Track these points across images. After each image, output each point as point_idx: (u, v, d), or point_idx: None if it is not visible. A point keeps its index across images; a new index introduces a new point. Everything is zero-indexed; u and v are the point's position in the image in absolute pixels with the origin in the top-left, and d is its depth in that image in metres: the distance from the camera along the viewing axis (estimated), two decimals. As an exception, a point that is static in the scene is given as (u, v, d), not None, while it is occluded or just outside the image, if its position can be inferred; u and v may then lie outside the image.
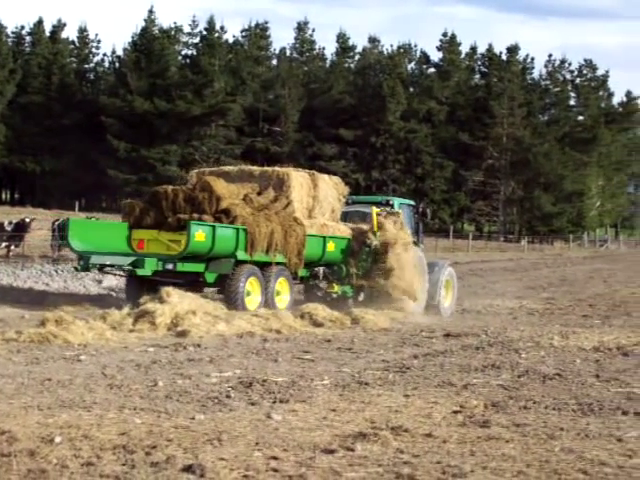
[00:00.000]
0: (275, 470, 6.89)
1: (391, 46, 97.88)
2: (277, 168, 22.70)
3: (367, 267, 22.36)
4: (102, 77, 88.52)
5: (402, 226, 22.91)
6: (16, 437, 7.50)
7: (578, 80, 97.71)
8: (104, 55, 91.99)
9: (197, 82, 78.70)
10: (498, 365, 12.91)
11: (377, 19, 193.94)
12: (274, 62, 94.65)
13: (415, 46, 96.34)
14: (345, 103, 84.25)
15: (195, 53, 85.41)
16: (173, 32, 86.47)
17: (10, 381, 10.49)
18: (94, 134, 75.49)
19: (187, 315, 16.64)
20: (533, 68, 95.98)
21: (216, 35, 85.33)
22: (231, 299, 19.53)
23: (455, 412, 9.40)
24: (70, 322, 15.19)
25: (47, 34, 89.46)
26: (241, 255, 19.95)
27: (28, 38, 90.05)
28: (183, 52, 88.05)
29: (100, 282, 26.01)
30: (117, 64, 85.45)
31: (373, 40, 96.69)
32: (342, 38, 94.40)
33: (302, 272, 21.83)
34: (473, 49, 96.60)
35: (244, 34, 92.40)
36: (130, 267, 19.43)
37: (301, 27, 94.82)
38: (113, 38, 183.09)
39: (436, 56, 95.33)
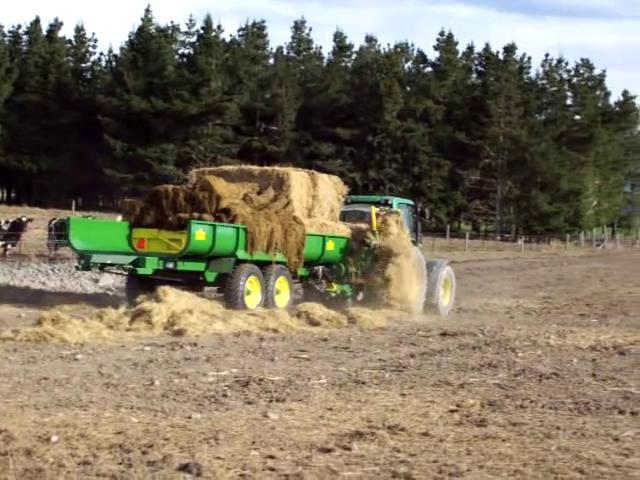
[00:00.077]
0: (272, 469, 6.89)
1: (388, 45, 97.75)
2: (277, 168, 22.76)
3: (366, 266, 22.41)
4: (99, 76, 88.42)
5: (401, 226, 22.95)
6: (13, 436, 7.50)
7: (575, 79, 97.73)
8: (101, 54, 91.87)
9: (194, 81, 78.65)
10: (495, 364, 12.91)
11: (374, 18, 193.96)
12: (271, 61, 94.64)
13: (412, 45, 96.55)
14: (342, 102, 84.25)
15: (192, 52, 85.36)
16: (170, 31, 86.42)
17: (7, 380, 10.49)
18: (91, 133, 75.43)
19: (184, 314, 16.64)
20: (530, 67, 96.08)
21: (213, 34, 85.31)
22: (231, 298, 19.58)
23: (452, 411, 9.40)
24: (67, 321, 15.19)
25: (44, 33, 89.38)
26: (241, 254, 20.00)
27: (25, 37, 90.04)
28: (180, 51, 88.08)
29: (97, 281, 26.03)
30: (114, 63, 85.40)
31: (370, 39, 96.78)
32: (339, 37, 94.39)
33: (301, 271, 21.90)
34: (470, 48, 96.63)
35: (241, 33, 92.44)
36: (131, 266, 19.47)
37: (298, 26, 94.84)
38: (110, 37, 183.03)
39: (433, 55, 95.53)
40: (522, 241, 74.53)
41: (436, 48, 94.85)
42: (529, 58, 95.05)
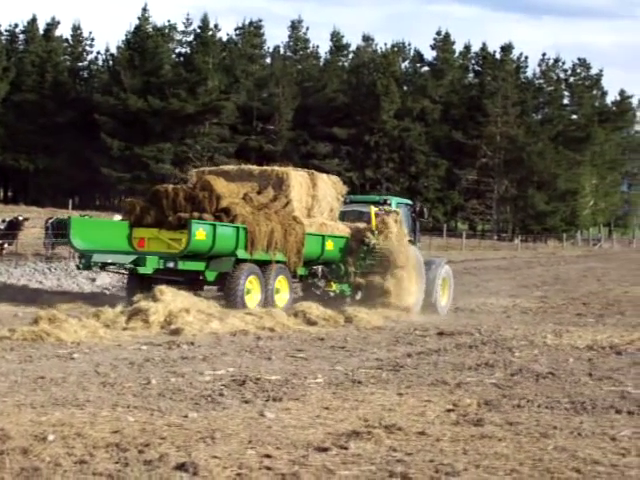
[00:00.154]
0: (268, 468, 6.89)
1: (385, 45, 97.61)
2: (276, 167, 22.82)
3: (365, 266, 22.44)
4: (96, 75, 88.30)
5: (400, 225, 22.98)
6: (9, 435, 7.50)
7: (572, 79, 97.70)
8: (98, 53, 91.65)
9: (191, 80, 78.59)
10: (491, 364, 12.91)
11: (371, 18, 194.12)
12: (268, 60, 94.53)
13: (409, 45, 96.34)
14: (339, 102, 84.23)
15: (189, 51, 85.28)
16: (167, 30, 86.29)
17: (3, 379, 10.49)
18: (88, 132, 75.36)
19: (180, 313, 16.65)
20: (527, 67, 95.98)
21: (210, 33, 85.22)
22: (231, 297, 19.63)
23: (448, 410, 9.40)
24: (63, 320, 15.19)
25: (41, 32, 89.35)
26: (241, 253, 20.04)
27: (22, 36, 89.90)
28: (177, 50, 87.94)
29: (94, 280, 26.03)
30: (111, 62, 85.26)
31: (367, 39, 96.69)
32: (336, 36, 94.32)
33: (301, 270, 21.95)
34: (467, 48, 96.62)
35: (238, 32, 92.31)
36: (132, 265, 19.50)
37: (295, 25, 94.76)
38: (107, 36, 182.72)
39: (430, 55, 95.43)
40: (519, 240, 74.64)
41: (433, 47, 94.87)
42: (526, 58, 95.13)
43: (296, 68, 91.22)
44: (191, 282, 20.25)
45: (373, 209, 23.05)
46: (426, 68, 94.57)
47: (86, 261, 19.92)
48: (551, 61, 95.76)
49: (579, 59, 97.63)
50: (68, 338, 14.29)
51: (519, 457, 7.42)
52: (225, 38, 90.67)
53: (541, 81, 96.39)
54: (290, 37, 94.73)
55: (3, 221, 35.42)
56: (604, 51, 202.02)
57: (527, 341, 16.07)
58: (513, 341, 16.00)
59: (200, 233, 19.29)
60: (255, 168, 23.07)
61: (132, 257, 19.66)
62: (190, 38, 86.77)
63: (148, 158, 75.32)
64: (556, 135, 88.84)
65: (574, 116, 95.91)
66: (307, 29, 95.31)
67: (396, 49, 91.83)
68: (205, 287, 21.31)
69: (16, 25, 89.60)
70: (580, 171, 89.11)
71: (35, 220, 41.66)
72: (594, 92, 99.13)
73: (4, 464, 6.71)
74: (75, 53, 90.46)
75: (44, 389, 9.96)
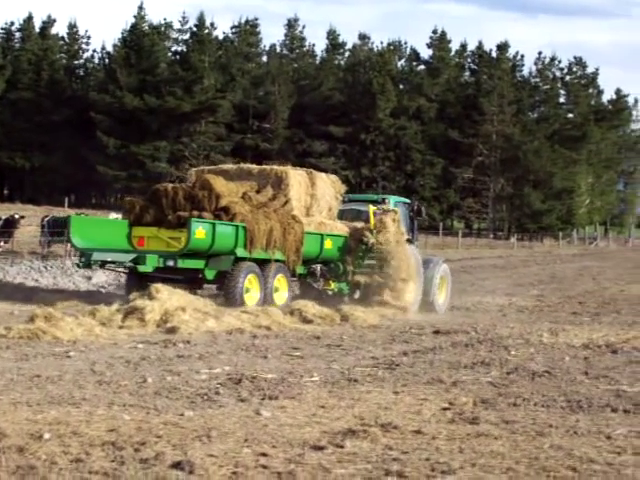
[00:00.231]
0: (264, 467, 6.88)
1: (381, 43, 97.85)
2: (275, 166, 22.87)
3: (363, 265, 22.48)
4: (92, 73, 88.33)
5: (398, 224, 22.99)
6: (5, 433, 7.49)
7: (568, 78, 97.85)
8: (94, 51, 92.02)
9: (187, 78, 78.60)
10: (487, 362, 12.91)
11: (367, 16, 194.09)
12: (264, 59, 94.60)
13: (405, 43, 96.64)
14: (335, 100, 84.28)
15: (185, 49, 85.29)
16: (163, 28, 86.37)
17: (-1, 377, 10.47)
18: (84, 130, 75.35)
19: (176, 312, 16.63)
20: (523, 65, 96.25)
21: (206, 31, 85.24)
22: (230, 295, 19.67)
23: (444, 409, 9.40)
24: (59, 318, 15.16)
25: (37, 30, 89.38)
26: (240, 252, 20.06)
27: (18, 34, 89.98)
28: (173, 48, 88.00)
29: (90, 279, 26.01)
30: (107, 60, 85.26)
31: (363, 37, 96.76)
32: (332, 35, 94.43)
33: (300, 269, 21.98)
34: (463, 46, 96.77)
35: (234, 30, 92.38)
36: (131, 264, 19.51)
37: (291, 24, 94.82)
38: (103, 34, 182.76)
39: (426, 53, 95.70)
40: (515, 239, 74.67)
41: (429, 46, 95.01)
42: (522, 56, 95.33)
43: (292, 66, 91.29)
44: (190, 280, 20.29)
45: (372, 208, 23.06)
46: (422, 67, 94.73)
47: (86, 259, 19.94)
48: (547, 60, 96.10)
49: (575, 58, 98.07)
50: (64, 336, 14.27)
51: (515, 455, 7.41)
52: (221, 36, 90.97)
53: (537, 80, 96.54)
54: (286, 35, 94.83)
55: (-1, 219, 35.39)
56: (600, 50, 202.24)
57: (523, 340, 16.07)
58: (509, 340, 16.01)
59: (200, 232, 19.32)
60: (254, 167, 23.09)
61: (132, 255, 19.69)
62: (186, 36, 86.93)
63: (144, 156, 75.32)
64: (552, 134, 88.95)
65: (570, 115, 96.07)
66: (303, 27, 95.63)
67: (392, 47, 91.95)
68: (204, 285, 21.34)
69: (12, 23, 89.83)
70: (576, 170, 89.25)
71: (31, 218, 41.60)
72: (590, 91, 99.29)
73: (0, 462, 6.70)
74: (71, 51, 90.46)
75: (40, 387, 9.94)
